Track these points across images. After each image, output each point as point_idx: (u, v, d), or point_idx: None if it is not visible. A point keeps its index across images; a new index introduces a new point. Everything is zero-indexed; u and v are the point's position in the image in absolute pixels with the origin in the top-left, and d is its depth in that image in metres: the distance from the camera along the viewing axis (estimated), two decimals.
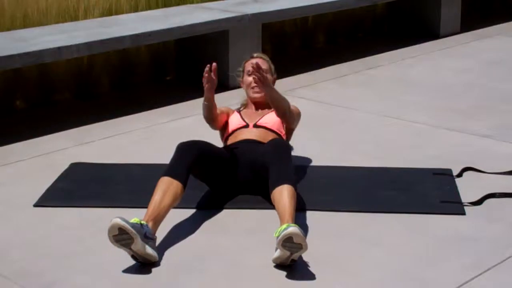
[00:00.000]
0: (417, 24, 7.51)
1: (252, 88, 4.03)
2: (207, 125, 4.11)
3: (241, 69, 4.14)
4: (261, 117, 3.98)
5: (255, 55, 4.17)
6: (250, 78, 4.02)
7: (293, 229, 2.94)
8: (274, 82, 4.10)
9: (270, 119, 3.97)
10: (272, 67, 4.14)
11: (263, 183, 3.59)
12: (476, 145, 4.47)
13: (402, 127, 4.81)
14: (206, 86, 3.69)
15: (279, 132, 3.95)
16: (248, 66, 4.06)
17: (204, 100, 3.79)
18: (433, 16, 7.41)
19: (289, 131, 4.09)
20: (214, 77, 3.70)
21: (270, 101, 3.82)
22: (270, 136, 3.89)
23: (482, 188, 3.82)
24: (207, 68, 3.66)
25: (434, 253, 3.19)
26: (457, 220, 3.49)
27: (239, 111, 4.10)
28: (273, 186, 3.32)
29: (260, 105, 4.08)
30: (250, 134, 3.89)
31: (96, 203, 3.69)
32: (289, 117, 3.92)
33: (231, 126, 3.98)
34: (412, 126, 4.83)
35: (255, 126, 3.94)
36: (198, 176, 3.67)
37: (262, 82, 3.67)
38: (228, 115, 4.05)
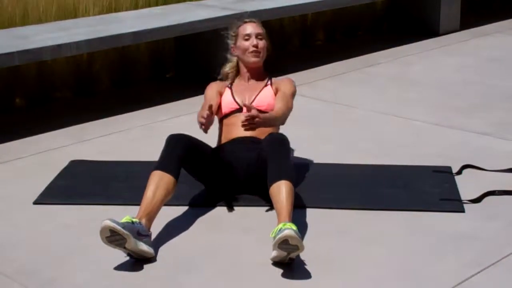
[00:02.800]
0: (417, 22, 7.51)
1: (251, 52, 3.85)
2: None
3: (233, 34, 3.94)
4: (255, 97, 3.84)
5: (247, 20, 3.96)
6: (247, 43, 3.86)
7: (288, 231, 2.92)
8: (269, 49, 3.94)
9: (264, 98, 3.82)
10: (264, 30, 3.95)
11: (258, 184, 3.57)
12: (475, 142, 4.47)
13: (401, 125, 4.81)
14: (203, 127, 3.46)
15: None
16: (244, 31, 3.87)
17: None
18: (432, 14, 7.40)
19: None
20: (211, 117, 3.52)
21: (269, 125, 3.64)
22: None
23: (481, 186, 3.82)
24: (207, 113, 3.44)
25: (433, 250, 3.19)
26: (456, 217, 3.49)
27: (230, 86, 3.93)
28: (271, 182, 3.30)
29: (255, 74, 3.91)
30: (240, 130, 3.69)
31: (96, 200, 3.69)
32: (287, 115, 3.80)
33: (224, 108, 3.84)
34: (412, 123, 4.83)
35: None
36: (190, 171, 3.62)
37: (260, 123, 3.43)
38: (220, 95, 3.89)
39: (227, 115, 3.85)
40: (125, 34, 5.08)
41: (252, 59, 3.87)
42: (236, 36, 3.92)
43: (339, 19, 7.34)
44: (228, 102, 3.86)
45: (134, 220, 3.10)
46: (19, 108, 5.34)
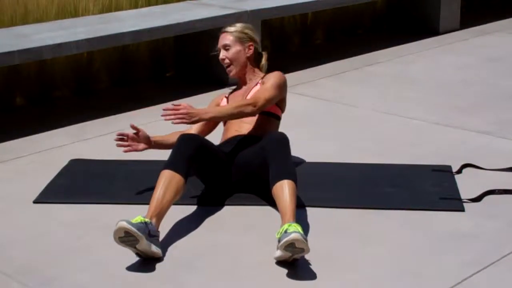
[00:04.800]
0: (417, 21, 7.51)
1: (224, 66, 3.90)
2: None
3: (217, 46, 3.96)
4: (244, 98, 3.81)
5: (222, 30, 3.96)
6: (220, 55, 3.88)
7: (295, 235, 2.92)
8: (249, 49, 3.88)
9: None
10: (244, 35, 3.88)
11: (255, 183, 3.58)
12: (475, 141, 4.47)
13: (401, 124, 4.81)
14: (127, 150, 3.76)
15: (267, 110, 3.80)
16: (220, 42, 3.91)
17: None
18: (432, 13, 7.40)
19: (280, 102, 3.89)
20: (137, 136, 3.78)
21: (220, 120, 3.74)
22: (260, 121, 3.80)
23: (481, 185, 3.82)
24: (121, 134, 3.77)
25: (433, 249, 3.19)
26: (456, 216, 3.50)
27: (227, 96, 3.97)
28: (274, 181, 3.30)
29: (244, 79, 3.93)
30: (239, 126, 3.80)
31: (96, 199, 3.69)
32: (262, 106, 3.66)
33: None
34: (412, 122, 4.83)
35: None
36: (195, 170, 3.63)
37: (186, 116, 3.43)
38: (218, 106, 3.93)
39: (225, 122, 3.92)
40: (125, 33, 5.08)
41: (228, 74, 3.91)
42: (218, 48, 3.96)
43: (339, 18, 7.34)
44: None
45: (146, 220, 3.09)
46: (19, 107, 5.34)
